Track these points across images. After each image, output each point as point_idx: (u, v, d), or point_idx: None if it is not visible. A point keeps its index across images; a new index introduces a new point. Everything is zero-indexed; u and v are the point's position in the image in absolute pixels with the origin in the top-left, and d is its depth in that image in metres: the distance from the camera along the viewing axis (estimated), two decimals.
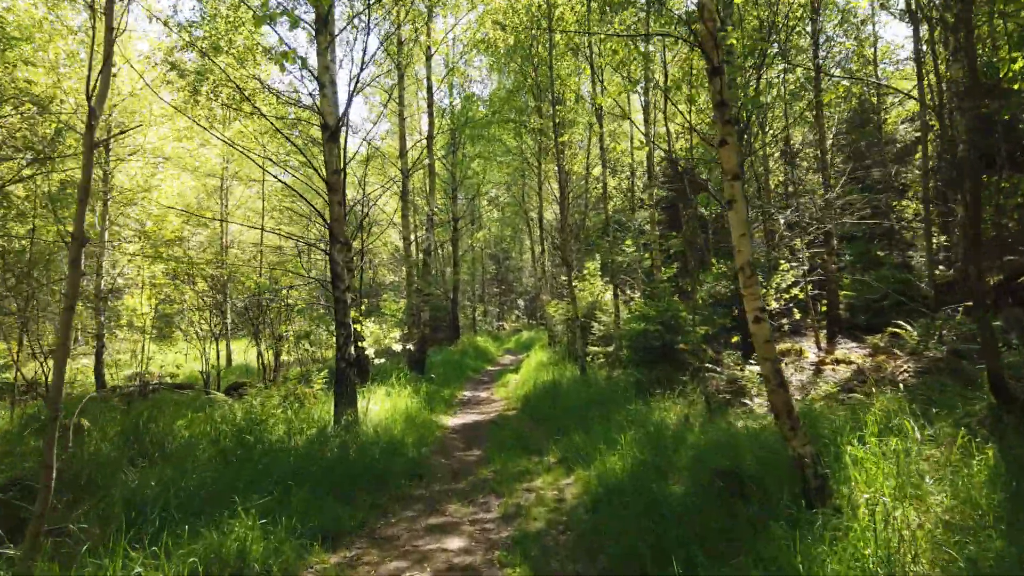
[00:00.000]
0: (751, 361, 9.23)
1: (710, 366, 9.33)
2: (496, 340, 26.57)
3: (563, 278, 16.08)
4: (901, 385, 6.08)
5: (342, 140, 8.48)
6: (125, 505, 4.77)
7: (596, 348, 12.35)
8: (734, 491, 4.74)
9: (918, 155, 19.19)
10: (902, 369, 8.01)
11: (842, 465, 4.60)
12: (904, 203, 16.82)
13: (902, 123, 22.37)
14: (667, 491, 5.03)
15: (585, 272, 16.28)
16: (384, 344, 10.05)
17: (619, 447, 6.35)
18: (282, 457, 6.27)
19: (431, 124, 13.89)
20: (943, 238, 15.56)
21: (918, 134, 22.05)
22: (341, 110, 8.01)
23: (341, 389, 7.69)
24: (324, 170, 7.95)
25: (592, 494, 5.43)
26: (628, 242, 16.21)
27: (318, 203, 13.07)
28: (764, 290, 11.98)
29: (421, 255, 14.16)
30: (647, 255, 18.50)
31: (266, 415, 7.32)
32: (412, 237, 15.54)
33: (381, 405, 8.81)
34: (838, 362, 10.00)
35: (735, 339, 11.32)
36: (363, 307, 10.15)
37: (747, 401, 8.13)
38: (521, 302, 41.69)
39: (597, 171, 25.06)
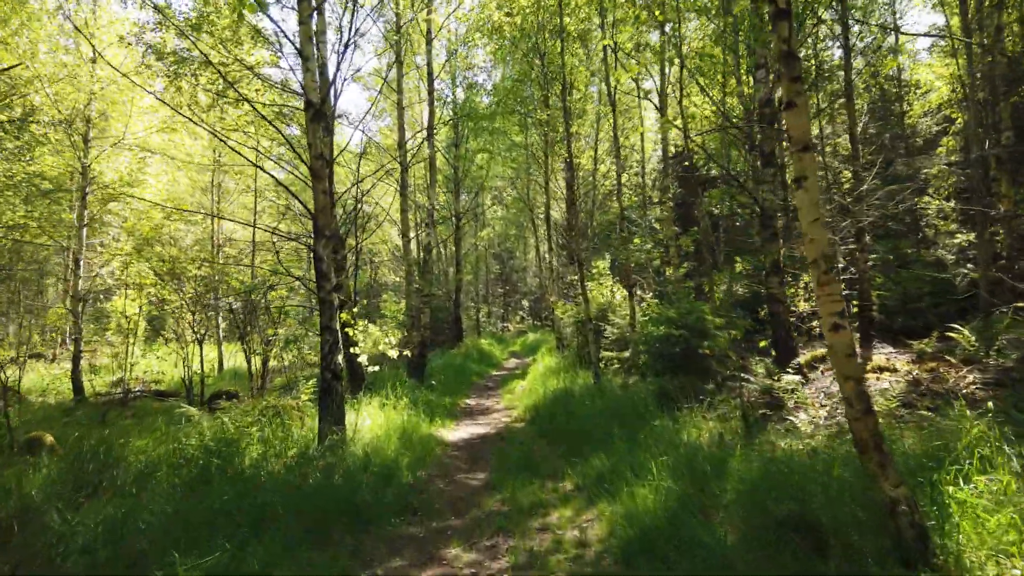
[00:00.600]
0: (788, 369, 8.26)
1: (743, 375, 8.37)
2: (500, 342, 25.63)
3: (573, 277, 15.14)
4: (991, 404, 5.12)
5: (330, 121, 7.55)
6: (47, 556, 3.85)
7: (610, 353, 11.39)
8: (804, 542, 3.79)
9: (941, 149, 18.17)
10: (967, 380, 7.03)
11: (945, 512, 3.64)
12: (926, 199, 15.82)
13: (923, 116, 21.39)
14: (715, 538, 4.08)
15: (595, 271, 15.34)
16: (380, 349, 9.13)
17: (649, 475, 5.40)
18: (253, 487, 5.34)
19: (431, 113, 12.96)
20: (971, 235, 14.55)
21: (937, 127, 21.03)
22: (328, 85, 7.08)
23: (326, 404, 6.75)
24: (307, 155, 7.02)
25: (621, 537, 4.48)
26: (637, 240, 15.28)
27: (308, 197, 12.15)
28: (792, 289, 11.02)
29: (421, 253, 13.22)
30: (657, 254, 17.57)
31: (239, 435, 6.39)
32: (412, 234, 14.62)
33: (374, 420, 7.88)
34: (881, 370, 9.01)
35: (763, 343, 10.35)
36: (356, 309, 9.22)
37: (791, 416, 7.15)
38: (526, 303, 40.73)
39: (604, 168, 24.14)
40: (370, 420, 7.72)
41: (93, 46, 11.44)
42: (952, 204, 16.09)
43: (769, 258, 8.96)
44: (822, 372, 9.70)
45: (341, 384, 6.91)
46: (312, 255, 6.98)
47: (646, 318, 12.71)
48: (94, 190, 13.13)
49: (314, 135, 6.91)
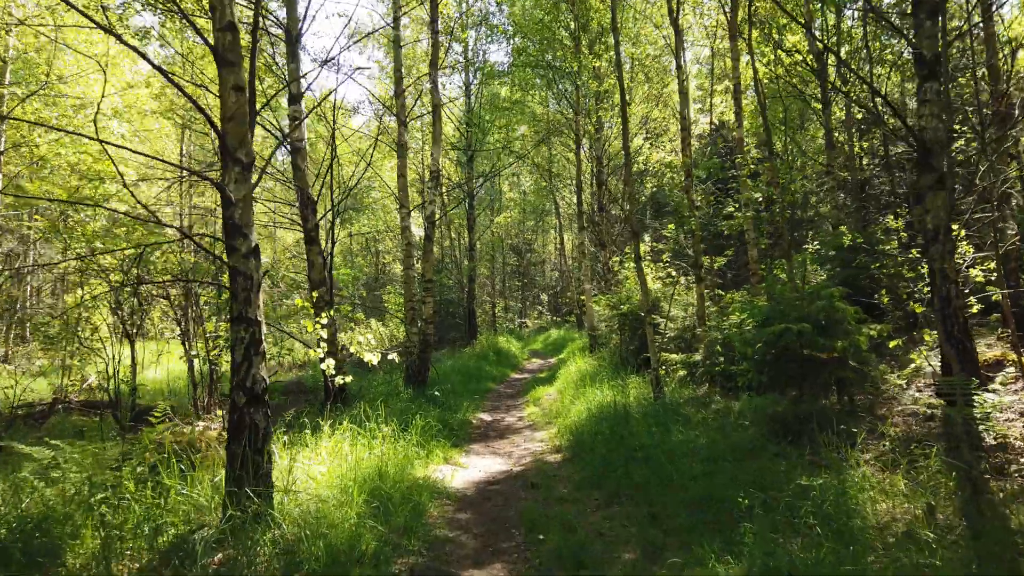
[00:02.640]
0: (994, 389, 5.29)
1: (920, 396, 5.43)
2: (519, 340, 22.72)
3: (614, 260, 12.27)
4: None
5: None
6: None
7: (673, 356, 8.47)
8: None
9: None
10: None
11: None
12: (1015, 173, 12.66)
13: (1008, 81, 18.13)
14: None
15: (631, 256, 12.43)
16: (354, 353, 6.32)
17: None
18: None
19: (435, 47, 10.09)
20: None
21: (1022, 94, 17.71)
22: None
23: (238, 449, 3.93)
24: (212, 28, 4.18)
25: None
26: (671, 227, 12.39)
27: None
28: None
29: (424, 226, 10.37)
30: (699, 236, 14.67)
31: (75, 507, 3.59)
32: (412, 208, 11.81)
33: (333, 462, 5.04)
34: None
35: (894, 344, 7.37)
36: (316, 295, 6.41)
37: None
38: (545, 296, 37.81)
39: (636, 143, 21.15)
40: (325, 465, 4.88)
41: None
42: None
43: (932, 216, 5.97)
44: (1001, 384, 6.70)
45: (267, 413, 4.08)
46: (220, 197, 4.14)
47: (715, 309, 9.80)
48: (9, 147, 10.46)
49: None
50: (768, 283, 7.57)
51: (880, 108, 8.02)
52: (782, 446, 5.22)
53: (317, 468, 4.78)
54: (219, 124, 4.14)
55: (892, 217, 10.63)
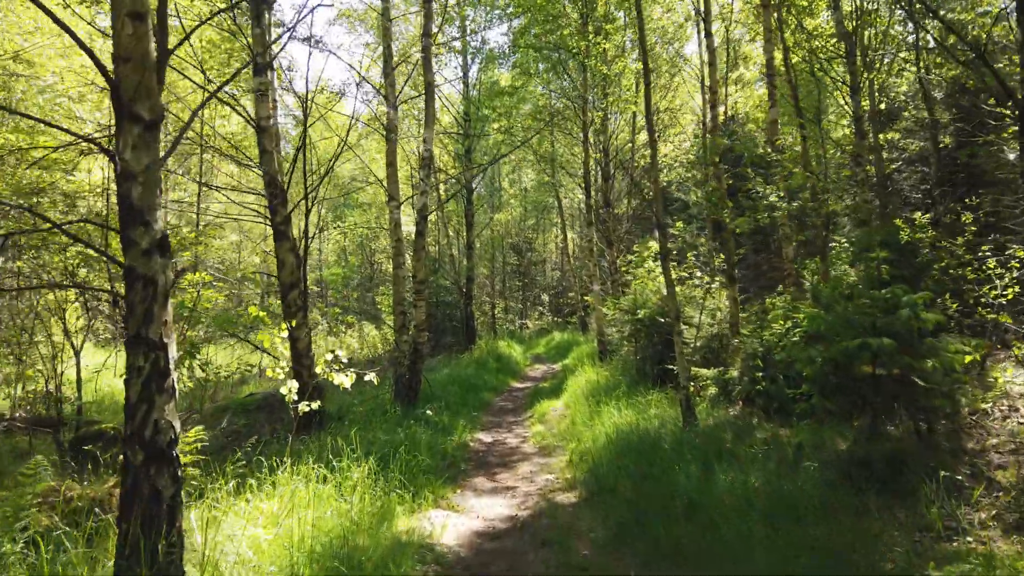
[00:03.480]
0: None
1: None
2: (521, 343, 21.53)
3: (628, 258, 11.11)
4: None
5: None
6: None
7: (707, 372, 7.29)
8: None
9: None
10: None
11: None
12: None
13: None
14: None
15: (646, 254, 11.29)
16: (327, 376, 5.14)
17: None
18: None
19: (427, 16, 8.92)
20: None
21: None
22: None
23: (128, 525, 2.76)
24: None
25: None
26: (679, 224, 11.29)
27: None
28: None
29: (415, 220, 9.20)
30: (702, 239, 13.57)
31: None
32: (402, 201, 10.63)
33: (286, 520, 3.85)
34: None
35: (969, 359, 6.18)
36: (277, 299, 5.20)
37: None
38: (546, 297, 36.60)
39: (642, 136, 20.04)
40: (276, 526, 3.69)
41: None
42: None
43: None
44: None
45: (176, 474, 2.90)
46: (115, 169, 2.97)
47: (745, 315, 8.65)
48: None
49: None
50: (820, 286, 6.39)
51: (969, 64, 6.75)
52: (868, 496, 4.05)
53: (260, 535, 3.60)
54: (113, 73, 2.97)
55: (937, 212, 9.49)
